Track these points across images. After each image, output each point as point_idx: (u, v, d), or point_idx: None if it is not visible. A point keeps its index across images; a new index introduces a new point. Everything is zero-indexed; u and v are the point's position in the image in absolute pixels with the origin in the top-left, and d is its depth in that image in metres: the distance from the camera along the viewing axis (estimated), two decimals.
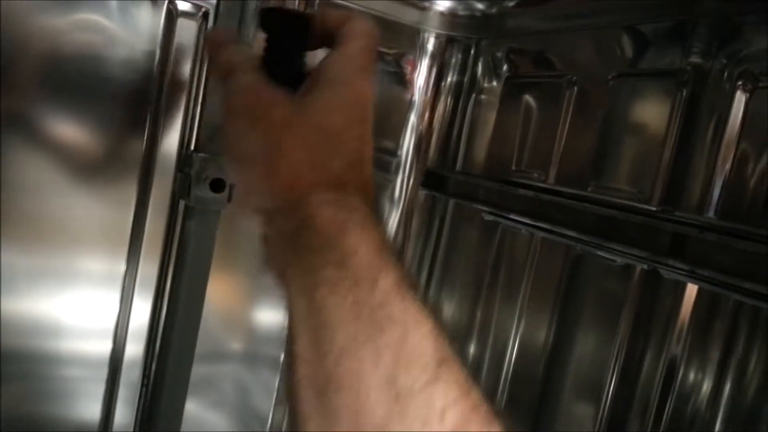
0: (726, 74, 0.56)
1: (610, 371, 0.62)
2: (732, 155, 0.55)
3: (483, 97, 0.84)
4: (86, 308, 0.65)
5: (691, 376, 0.57)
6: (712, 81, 0.57)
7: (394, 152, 0.85)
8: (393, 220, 0.86)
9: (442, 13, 0.82)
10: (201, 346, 0.67)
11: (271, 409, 0.81)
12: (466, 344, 0.81)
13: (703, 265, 0.53)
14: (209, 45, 0.40)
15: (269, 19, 0.40)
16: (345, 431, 0.28)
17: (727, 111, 0.55)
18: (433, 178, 0.86)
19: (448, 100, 0.86)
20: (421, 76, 0.84)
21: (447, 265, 0.87)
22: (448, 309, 0.85)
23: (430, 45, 0.84)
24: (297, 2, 0.37)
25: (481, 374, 0.77)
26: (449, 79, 0.86)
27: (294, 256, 0.32)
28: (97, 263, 0.65)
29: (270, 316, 0.78)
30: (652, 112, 0.64)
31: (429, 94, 0.85)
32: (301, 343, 0.31)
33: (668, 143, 0.60)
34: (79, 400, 0.67)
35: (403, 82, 0.84)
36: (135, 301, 0.67)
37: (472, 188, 0.83)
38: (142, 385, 0.69)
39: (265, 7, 0.41)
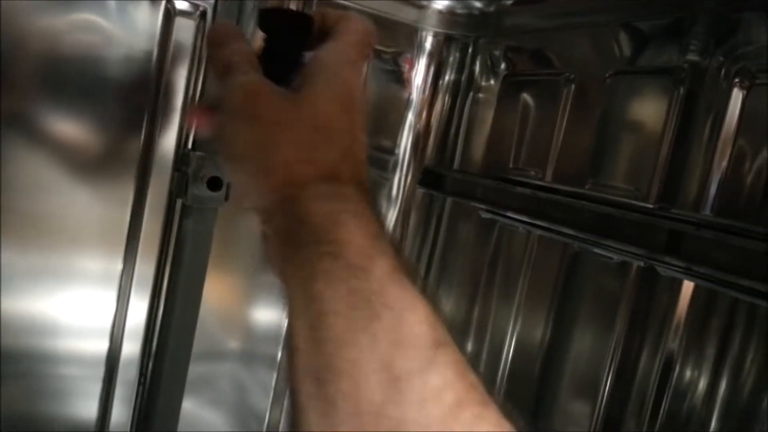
0: (723, 71, 0.56)
1: (607, 368, 0.62)
2: (729, 152, 0.55)
3: (481, 95, 0.84)
4: (83, 307, 0.65)
5: (688, 372, 0.57)
6: (710, 78, 0.57)
7: (391, 150, 0.85)
8: (390, 219, 0.86)
9: (440, 12, 0.82)
10: (198, 344, 0.67)
11: (268, 407, 0.81)
12: (463, 342, 0.81)
13: (699, 262, 0.53)
14: (209, 41, 0.40)
15: (269, 18, 0.40)
16: (343, 417, 0.28)
17: (724, 108, 0.55)
18: (430, 176, 0.86)
19: (446, 98, 0.86)
20: (419, 74, 0.84)
21: (444, 263, 0.87)
22: (446, 307, 0.85)
23: (428, 43, 0.84)
24: (296, 2, 0.37)
25: (478, 371, 0.77)
26: (447, 78, 0.86)
27: (291, 252, 0.33)
28: (94, 262, 0.65)
29: (267, 314, 0.78)
30: (649, 110, 0.64)
31: (427, 92, 0.85)
32: (299, 336, 0.31)
33: (665, 141, 0.60)
34: (76, 399, 0.67)
35: (401, 80, 0.84)
36: (132, 300, 0.67)
37: (470, 186, 0.83)
38: (139, 383, 0.69)
39: (264, 7, 0.40)
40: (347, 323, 0.29)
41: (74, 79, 0.60)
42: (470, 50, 0.85)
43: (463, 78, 0.86)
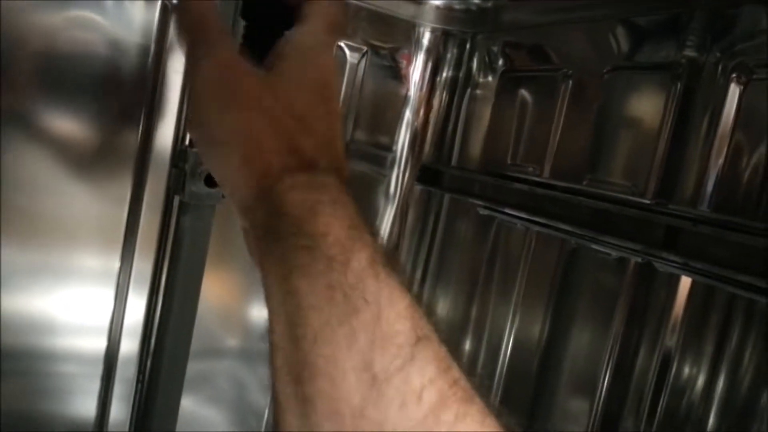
0: (720, 67, 0.56)
1: (605, 364, 0.62)
2: (726, 148, 0.55)
3: (478, 91, 0.84)
4: (81, 305, 0.65)
5: (686, 368, 0.57)
6: (707, 74, 0.57)
7: (389, 147, 0.85)
8: (388, 216, 0.86)
9: (437, 8, 0.82)
10: (196, 342, 0.67)
11: (267, 405, 0.81)
12: (461, 339, 0.81)
13: (697, 257, 0.53)
14: (179, 11, 0.38)
15: (251, 7, 0.40)
16: (322, 418, 0.27)
17: (721, 104, 0.55)
18: (428, 173, 0.86)
19: (444, 94, 0.86)
20: (417, 70, 0.84)
21: (442, 259, 0.87)
22: (444, 303, 0.85)
23: (426, 39, 0.84)
24: None
25: (476, 369, 0.77)
26: (445, 74, 0.86)
27: (269, 246, 0.32)
28: (92, 260, 0.65)
29: (266, 311, 0.78)
30: (646, 106, 0.64)
31: (424, 88, 0.85)
32: (276, 332, 0.30)
33: (663, 136, 0.60)
34: (75, 397, 0.67)
35: (399, 76, 0.84)
36: (130, 298, 0.67)
37: (468, 183, 0.83)
38: (138, 381, 0.69)
39: None
40: (324, 318, 0.28)
41: (70, 75, 0.60)
42: (468, 46, 0.85)
43: (461, 74, 0.86)
